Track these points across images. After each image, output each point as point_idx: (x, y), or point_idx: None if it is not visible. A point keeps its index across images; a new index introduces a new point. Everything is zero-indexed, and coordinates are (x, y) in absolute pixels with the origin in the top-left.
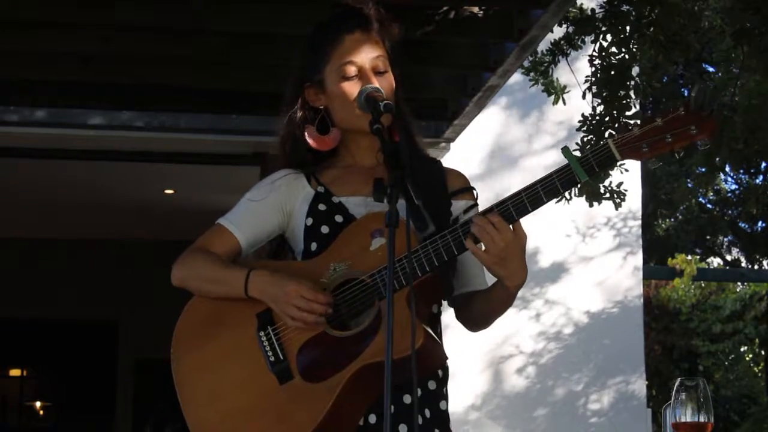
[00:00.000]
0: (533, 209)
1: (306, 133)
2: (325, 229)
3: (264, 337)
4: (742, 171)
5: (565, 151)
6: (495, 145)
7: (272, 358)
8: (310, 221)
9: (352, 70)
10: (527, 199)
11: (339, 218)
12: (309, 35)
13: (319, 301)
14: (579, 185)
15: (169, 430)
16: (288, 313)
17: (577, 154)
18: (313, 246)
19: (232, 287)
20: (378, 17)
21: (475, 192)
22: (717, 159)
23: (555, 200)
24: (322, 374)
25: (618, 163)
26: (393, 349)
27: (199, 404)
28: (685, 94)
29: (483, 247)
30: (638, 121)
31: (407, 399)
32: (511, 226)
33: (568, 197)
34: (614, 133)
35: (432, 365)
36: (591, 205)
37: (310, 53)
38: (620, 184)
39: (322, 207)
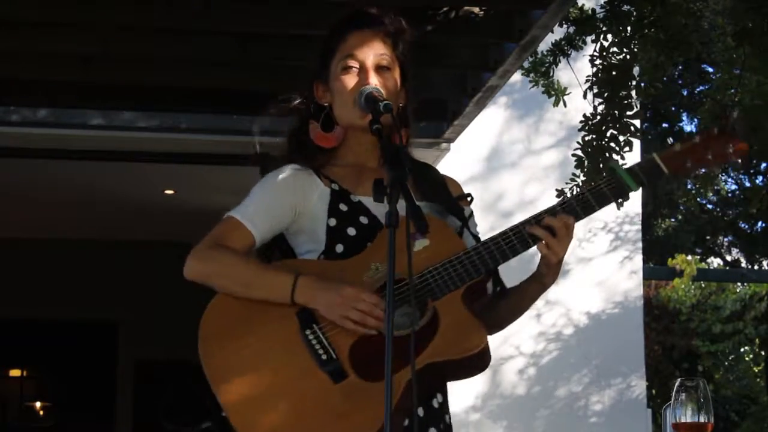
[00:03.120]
0: (586, 215)
1: (310, 129)
2: (351, 231)
3: (311, 336)
4: (741, 171)
5: (615, 164)
6: (495, 145)
7: (324, 357)
8: (333, 222)
9: (352, 63)
10: (578, 206)
11: (364, 219)
12: (326, 34)
13: (380, 306)
14: (628, 196)
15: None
16: (349, 317)
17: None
18: (339, 248)
19: (274, 293)
20: (390, 21)
21: (470, 198)
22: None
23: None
24: (379, 373)
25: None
26: (452, 349)
27: (247, 406)
28: (684, 93)
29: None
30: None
31: (436, 402)
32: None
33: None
34: (615, 133)
35: (485, 363)
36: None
37: (320, 51)
38: None
39: (343, 207)
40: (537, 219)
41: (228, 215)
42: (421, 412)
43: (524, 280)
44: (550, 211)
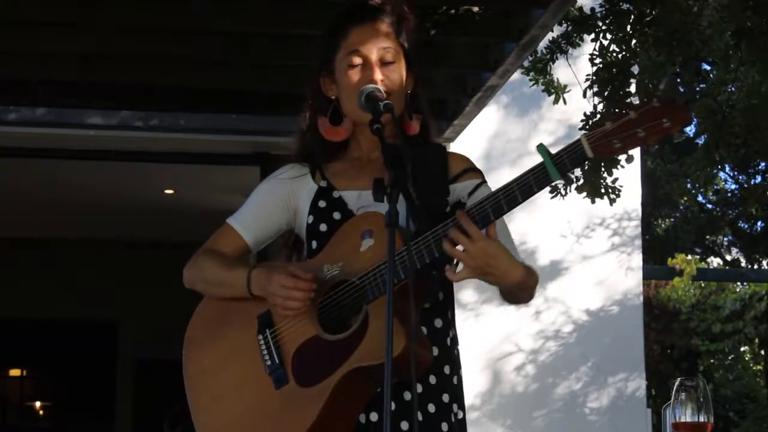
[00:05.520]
0: (509, 209)
1: (318, 124)
2: (323, 227)
3: (262, 341)
4: (740, 171)
5: (541, 148)
6: (494, 144)
7: (269, 362)
8: (311, 219)
9: (356, 59)
10: (504, 199)
11: (337, 215)
12: (326, 27)
13: (299, 287)
14: (553, 183)
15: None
16: (275, 303)
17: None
18: (314, 244)
19: (237, 288)
20: (394, 12)
21: (480, 173)
22: (716, 155)
23: (550, 196)
24: (314, 378)
25: (589, 160)
26: (374, 354)
27: (204, 407)
28: (682, 91)
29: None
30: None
31: (408, 396)
32: (484, 229)
33: (563, 193)
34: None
35: (417, 367)
36: (593, 202)
37: (324, 44)
38: (615, 180)
39: (322, 204)
40: (454, 222)
41: (225, 221)
42: (393, 406)
43: None
44: (474, 208)
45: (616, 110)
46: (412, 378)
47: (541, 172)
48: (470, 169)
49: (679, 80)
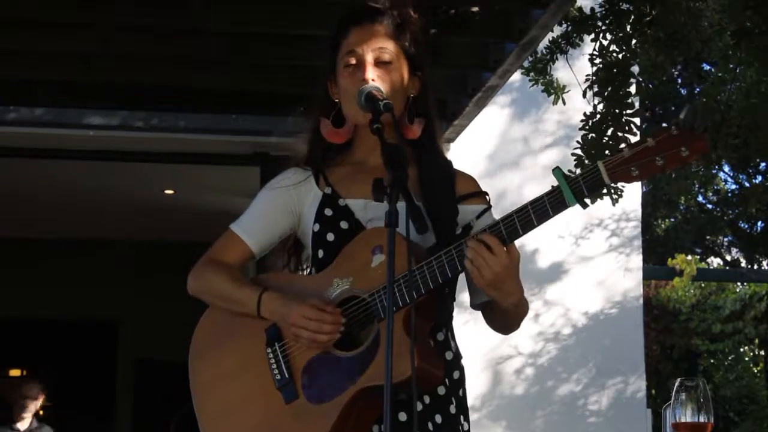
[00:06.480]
0: (524, 233)
1: (320, 125)
2: (330, 237)
3: (271, 354)
4: (740, 171)
5: (557, 172)
6: (495, 145)
7: (278, 377)
8: (317, 227)
9: (352, 60)
10: (519, 222)
11: (344, 224)
12: (331, 29)
13: (324, 320)
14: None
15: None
16: (299, 335)
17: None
18: (320, 253)
19: (245, 307)
20: (395, 13)
21: (487, 197)
22: (713, 155)
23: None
24: (325, 395)
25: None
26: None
27: (212, 419)
28: (683, 92)
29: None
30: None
31: (418, 407)
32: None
33: None
34: (616, 132)
35: (427, 386)
36: (593, 202)
37: (328, 48)
38: None
39: (328, 212)
40: (467, 243)
41: (229, 227)
42: (403, 416)
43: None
44: (481, 233)
45: (624, 130)
46: (422, 394)
47: (556, 197)
48: (478, 193)
49: (679, 81)
